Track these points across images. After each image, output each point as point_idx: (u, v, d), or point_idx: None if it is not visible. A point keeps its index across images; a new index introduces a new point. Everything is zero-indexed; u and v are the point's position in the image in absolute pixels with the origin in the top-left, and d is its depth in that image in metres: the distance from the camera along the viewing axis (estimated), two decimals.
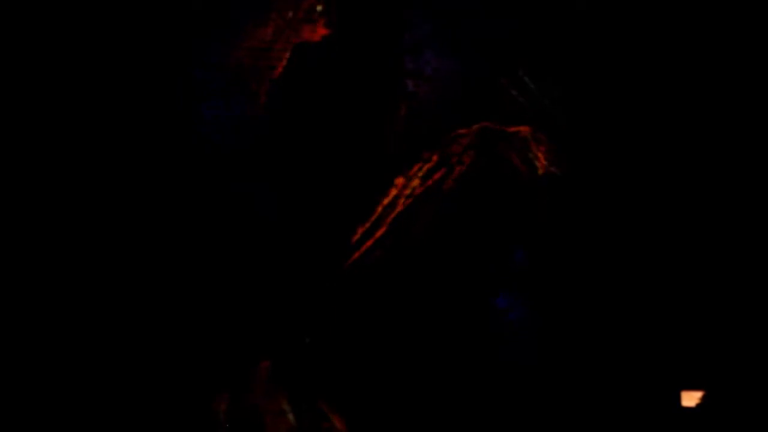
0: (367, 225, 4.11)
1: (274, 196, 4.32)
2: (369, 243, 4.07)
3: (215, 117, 4.33)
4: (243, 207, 4.30)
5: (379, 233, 4.07)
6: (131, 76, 4.27)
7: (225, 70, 4.34)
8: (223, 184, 4.29)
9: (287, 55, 4.31)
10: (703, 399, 4.20)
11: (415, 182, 4.08)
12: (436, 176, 4.06)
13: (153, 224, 4.25)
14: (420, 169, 4.10)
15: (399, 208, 4.07)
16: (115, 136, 4.24)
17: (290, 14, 4.41)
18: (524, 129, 4.07)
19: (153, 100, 4.28)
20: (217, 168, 4.30)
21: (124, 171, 4.23)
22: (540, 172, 4.03)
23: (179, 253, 4.23)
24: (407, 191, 4.08)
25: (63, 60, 4.21)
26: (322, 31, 4.33)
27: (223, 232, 4.29)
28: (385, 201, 4.10)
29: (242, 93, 4.35)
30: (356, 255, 4.08)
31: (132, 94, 4.27)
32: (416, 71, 4.38)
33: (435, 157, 4.09)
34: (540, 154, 4.05)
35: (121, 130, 4.25)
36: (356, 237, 4.11)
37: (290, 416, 3.90)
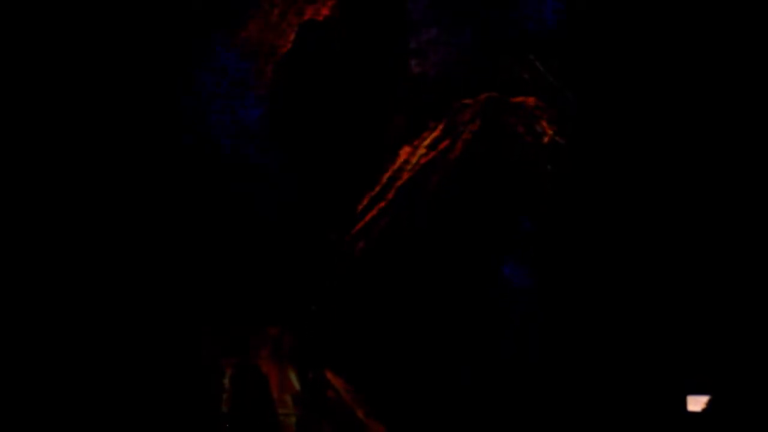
0: (373, 194, 4.13)
1: (275, 194, 4.34)
2: (375, 211, 4.08)
3: (218, 118, 4.37)
4: (245, 200, 4.33)
5: (385, 202, 4.07)
6: (134, 78, 4.32)
7: (226, 71, 4.39)
8: (225, 182, 4.33)
9: (288, 47, 4.36)
10: (709, 403, 4.17)
11: (421, 151, 4.09)
12: (442, 145, 4.07)
13: (167, 209, 4.29)
14: (426, 138, 4.12)
15: (405, 177, 4.08)
16: (119, 136, 4.28)
17: (293, 8, 4.46)
18: (529, 99, 4.10)
19: (156, 103, 4.33)
20: (220, 166, 4.34)
21: (130, 169, 4.27)
22: (545, 141, 4.04)
23: (192, 227, 4.26)
24: (413, 160, 4.10)
25: (67, 62, 4.26)
26: (326, 12, 4.37)
27: (230, 215, 4.32)
28: (391, 170, 4.12)
29: (244, 94, 4.39)
30: (362, 223, 4.09)
31: (135, 96, 4.31)
32: (419, 48, 4.43)
33: (441, 127, 4.11)
34: (545, 124, 4.07)
35: (124, 131, 4.29)
36: (362, 206, 4.12)
37: (295, 383, 3.88)
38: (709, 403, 4.15)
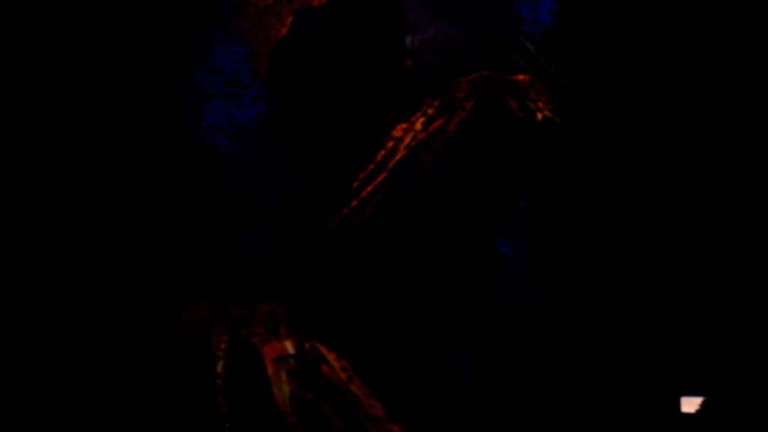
0: (368, 171, 4.13)
1: (274, 192, 4.35)
2: (370, 188, 4.08)
3: (216, 119, 4.40)
4: (244, 198, 4.35)
5: (379, 179, 4.08)
6: (135, 79, 4.36)
7: (223, 71, 4.43)
8: (223, 181, 4.35)
9: (283, 34, 4.38)
10: (703, 405, 4.15)
11: (417, 129, 4.11)
12: (438, 123, 4.09)
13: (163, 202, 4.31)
14: (422, 115, 4.14)
15: (400, 155, 4.09)
16: (121, 137, 4.31)
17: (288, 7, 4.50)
18: (523, 77, 4.13)
19: (156, 103, 4.36)
20: (218, 165, 4.36)
21: (129, 164, 4.30)
22: (538, 118, 4.06)
23: (188, 216, 4.28)
24: (409, 137, 4.11)
25: (66, 63, 4.30)
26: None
27: (229, 211, 4.34)
28: (387, 147, 4.13)
29: (240, 94, 4.43)
30: (356, 200, 4.09)
31: (136, 96, 4.35)
32: (415, 48, 4.47)
33: (436, 104, 4.12)
34: (539, 102, 4.09)
35: (126, 132, 4.32)
36: (357, 183, 4.12)
37: (291, 358, 3.85)
38: (703, 405, 4.12)
